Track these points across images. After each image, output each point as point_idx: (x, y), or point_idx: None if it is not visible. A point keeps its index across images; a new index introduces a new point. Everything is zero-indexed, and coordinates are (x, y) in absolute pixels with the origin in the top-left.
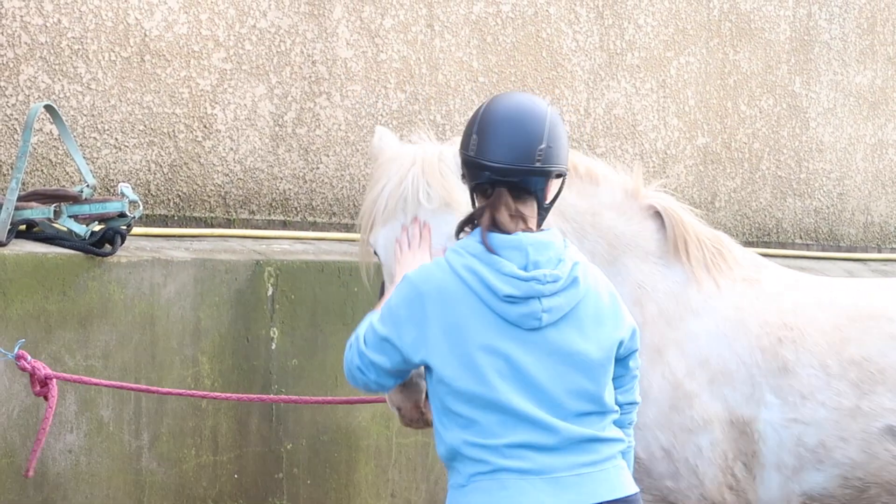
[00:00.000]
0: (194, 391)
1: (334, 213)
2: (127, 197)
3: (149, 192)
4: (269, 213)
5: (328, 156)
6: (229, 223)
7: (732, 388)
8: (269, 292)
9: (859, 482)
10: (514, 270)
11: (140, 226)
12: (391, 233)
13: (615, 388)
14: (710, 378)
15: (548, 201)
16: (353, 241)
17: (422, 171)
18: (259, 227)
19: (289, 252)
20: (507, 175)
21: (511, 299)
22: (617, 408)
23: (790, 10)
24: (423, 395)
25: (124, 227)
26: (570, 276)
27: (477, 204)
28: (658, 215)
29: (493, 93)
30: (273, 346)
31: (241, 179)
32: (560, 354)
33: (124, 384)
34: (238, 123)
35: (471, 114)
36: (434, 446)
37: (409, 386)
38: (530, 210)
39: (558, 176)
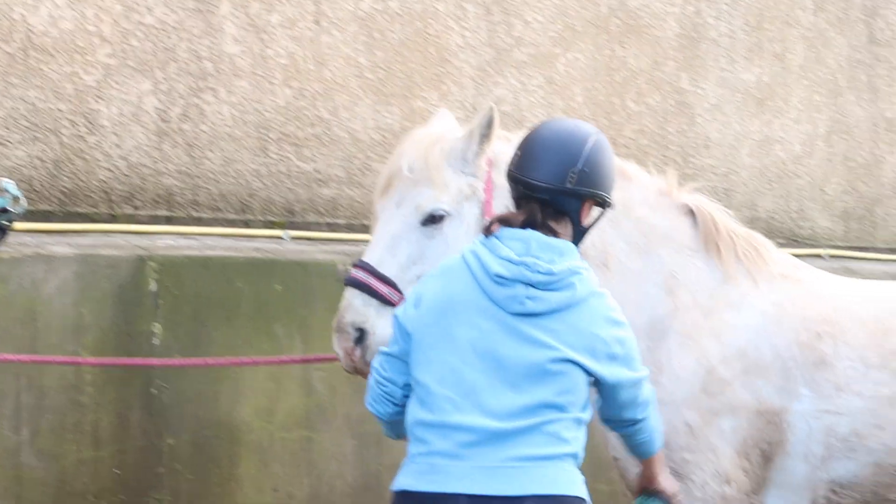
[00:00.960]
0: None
1: (219, 209)
2: (9, 192)
3: (32, 187)
4: (154, 209)
5: (213, 151)
6: (113, 219)
7: (766, 381)
8: (153, 287)
9: (893, 468)
10: (510, 255)
11: (23, 221)
12: (386, 202)
13: (606, 404)
14: (745, 369)
15: (585, 223)
16: (238, 236)
17: (415, 144)
18: (143, 223)
19: (172, 247)
20: (538, 192)
21: (500, 279)
22: (582, 415)
23: (678, 7)
24: (352, 344)
25: (6, 223)
26: (564, 279)
27: None
28: (691, 213)
29: (381, 89)
30: (156, 342)
31: (125, 175)
32: (534, 344)
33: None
34: (123, 119)
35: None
36: (317, 441)
37: (341, 332)
38: (563, 228)
39: (597, 202)
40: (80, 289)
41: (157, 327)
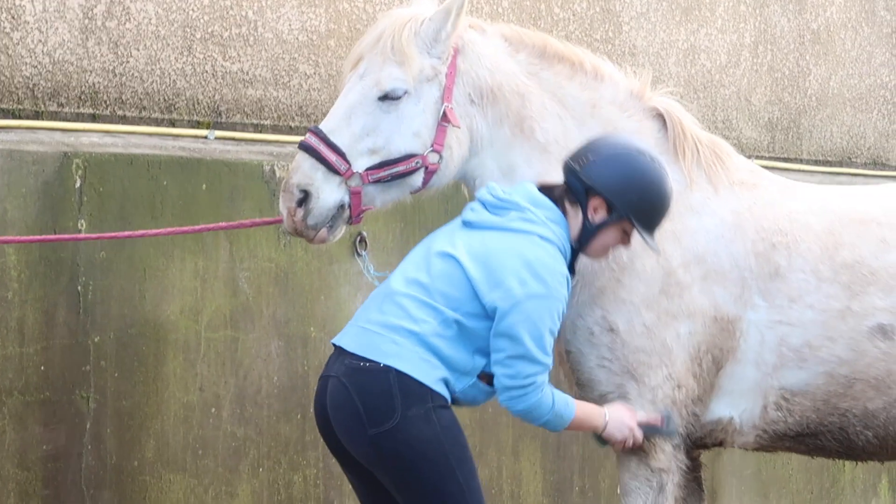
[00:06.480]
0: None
1: (144, 108)
2: None
3: None
4: (78, 107)
5: (138, 49)
6: (38, 115)
7: (723, 288)
8: (77, 184)
9: (844, 379)
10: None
11: None
12: (352, 74)
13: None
14: (704, 274)
15: (591, 220)
16: (163, 135)
17: (389, 21)
18: (68, 120)
19: (97, 145)
20: (562, 170)
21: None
22: (449, 311)
23: None
24: (295, 204)
25: None
26: (505, 207)
27: None
28: (660, 117)
29: None
30: None
31: (49, 72)
32: (446, 242)
33: None
34: (47, 15)
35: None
36: (243, 342)
37: (287, 192)
38: (574, 216)
39: (608, 206)
40: (4, 184)
41: (82, 224)
